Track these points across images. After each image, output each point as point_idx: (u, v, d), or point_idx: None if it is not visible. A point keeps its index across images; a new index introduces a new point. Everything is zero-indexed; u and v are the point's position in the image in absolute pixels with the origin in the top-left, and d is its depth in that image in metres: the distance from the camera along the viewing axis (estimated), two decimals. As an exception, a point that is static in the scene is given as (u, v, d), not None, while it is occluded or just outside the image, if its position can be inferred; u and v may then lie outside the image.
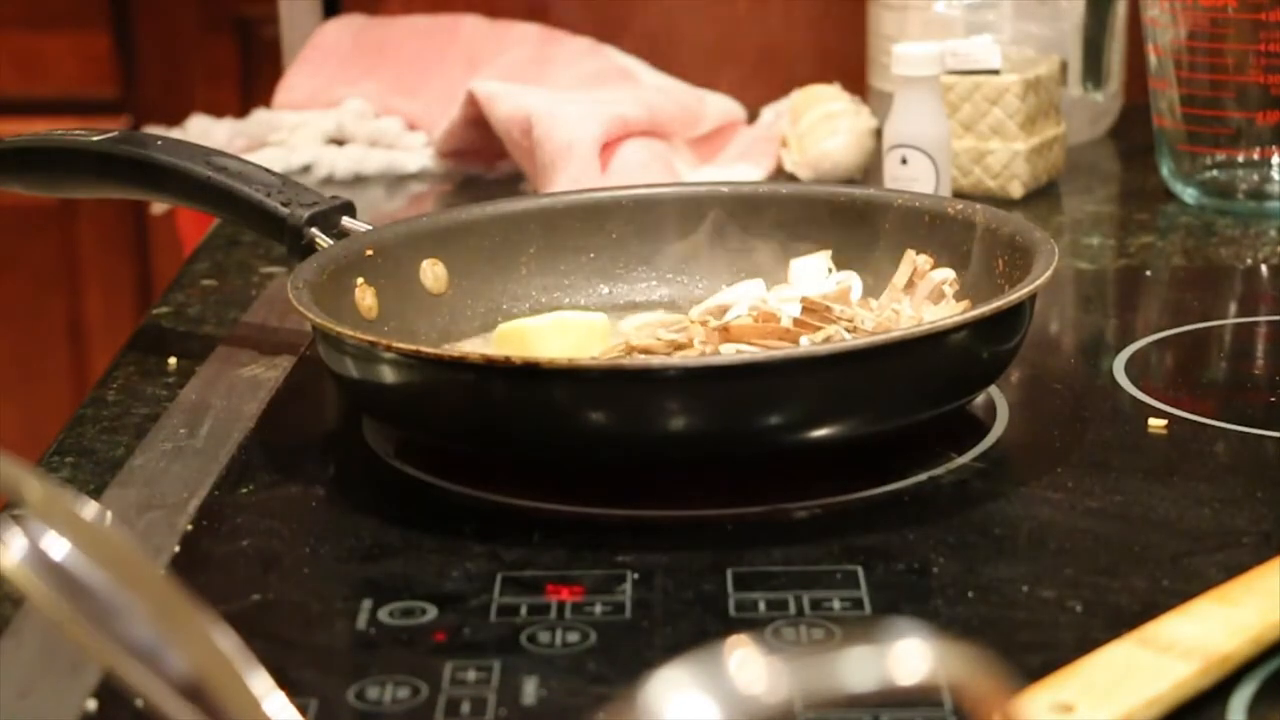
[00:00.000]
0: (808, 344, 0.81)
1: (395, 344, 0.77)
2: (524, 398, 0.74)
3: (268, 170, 0.96)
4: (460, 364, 0.76)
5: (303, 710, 0.59)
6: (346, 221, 0.93)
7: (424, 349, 0.77)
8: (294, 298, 0.81)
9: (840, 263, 0.93)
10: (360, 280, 0.88)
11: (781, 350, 0.80)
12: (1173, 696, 0.58)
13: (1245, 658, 0.61)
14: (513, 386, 0.74)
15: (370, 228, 0.92)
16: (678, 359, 0.80)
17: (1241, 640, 0.61)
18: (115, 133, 0.99)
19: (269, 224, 0.93)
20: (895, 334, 0.76)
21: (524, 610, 0.67)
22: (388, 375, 0.77)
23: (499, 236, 0.95)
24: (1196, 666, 0.59)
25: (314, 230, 0.91)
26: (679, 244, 0.97)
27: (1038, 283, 0.80)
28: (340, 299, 0.86)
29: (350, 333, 0.78)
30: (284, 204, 0.92)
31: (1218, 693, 0.60)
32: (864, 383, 0.75)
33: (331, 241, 0.91)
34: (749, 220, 0.96)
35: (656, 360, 0.79)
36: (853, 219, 0.94)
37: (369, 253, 0.90)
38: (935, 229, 0.91)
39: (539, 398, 0.74)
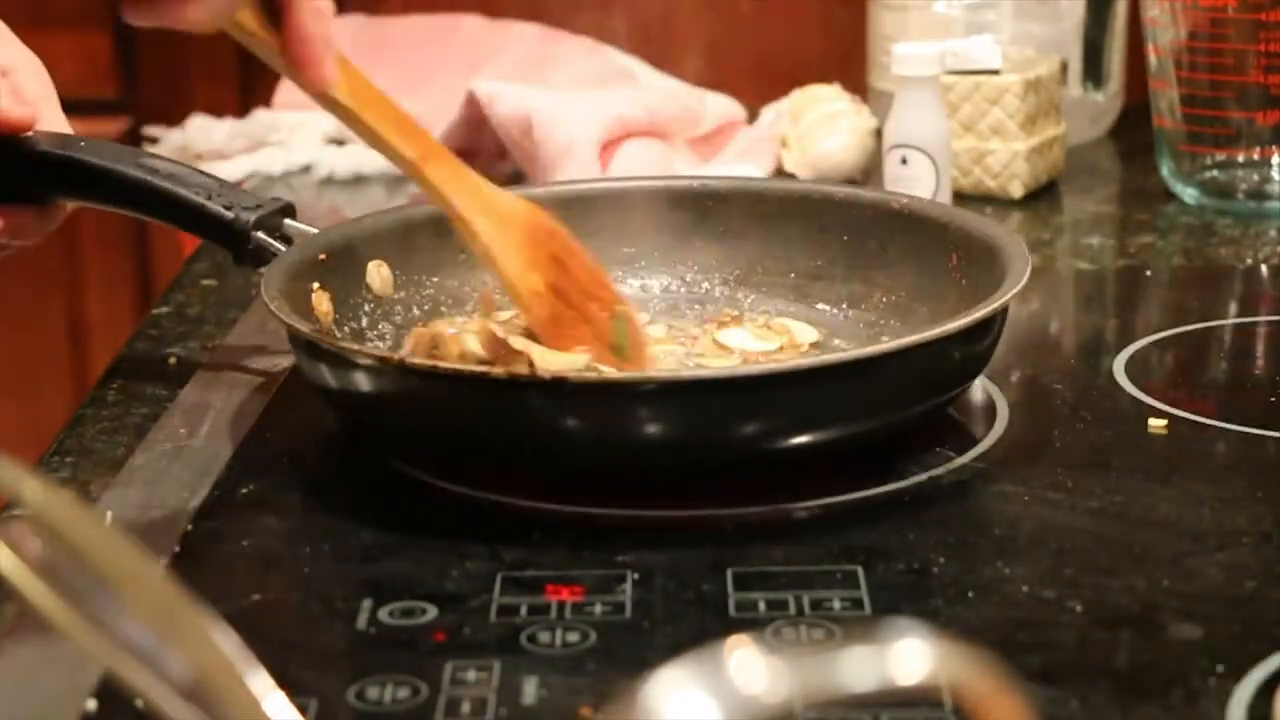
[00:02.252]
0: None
1: (413, 361, 0.76)
2: (502, 409, 0.74)
3: (200, 171, 0.93)
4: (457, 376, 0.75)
5: (303, 710, 0.59)
6: (289, 224, 0.91)
7: (421, 363, 0.77)
8: (275, 310, 0.79)
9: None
10: (316, 285, 0.86)
11: (754, 366, 0.82)
12: None
13: None
14: (490, 398, 0.73)
15: (314, 230, 0.91)
16: (656, 373, 0.80)
17: None
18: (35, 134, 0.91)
19: (211, 228, 0.91)
20: (868, 350, 0.76)
21: (524, 610, 0.66)
22: (381, 386, 0.77)
23: (439, 236, 0.93)
24: None
25: (260, 234, 0.90)
26: (626, 242, 0.97)
27: (1010, 294, 0.79)
28: (300, 305, 0.84)
29: (360, 349, 0.78)
30: (226, 208, 0.91)
31: (1218, 693, 0.60)
32: (840, 394, 0.75)
33: (277, 245, 0.90)
34: (688, 216, 0.97)
35: (633, 374, 0.79)
36: (793, 215, 0.95)
37: (322, 257, 0.88)
38: (884, 224, 0.92)
39: (517, 408, 0.73)
